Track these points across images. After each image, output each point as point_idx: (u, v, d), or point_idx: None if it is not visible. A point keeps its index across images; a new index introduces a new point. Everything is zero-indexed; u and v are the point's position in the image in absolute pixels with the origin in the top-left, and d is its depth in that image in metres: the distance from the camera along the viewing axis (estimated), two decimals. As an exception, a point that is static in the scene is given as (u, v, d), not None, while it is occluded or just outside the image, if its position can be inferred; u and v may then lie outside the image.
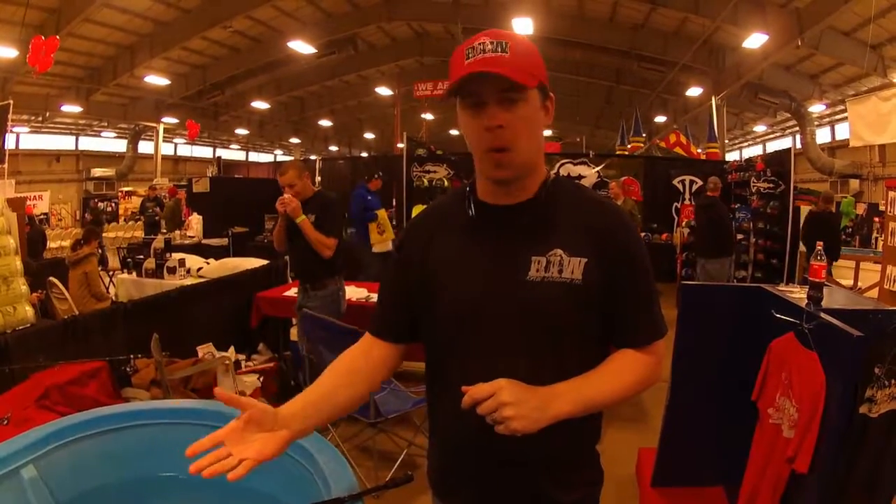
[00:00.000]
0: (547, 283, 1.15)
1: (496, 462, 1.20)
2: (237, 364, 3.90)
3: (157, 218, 13.11)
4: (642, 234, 8.90)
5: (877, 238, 12.28)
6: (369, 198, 7.53)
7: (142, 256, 6.15)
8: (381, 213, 7.54)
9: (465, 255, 1.22)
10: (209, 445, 1.05)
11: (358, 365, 1.31)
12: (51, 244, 12.23)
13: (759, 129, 23.44)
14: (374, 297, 4.61)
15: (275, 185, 4.01)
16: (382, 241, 7.43)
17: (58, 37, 11.18)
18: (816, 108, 17.32)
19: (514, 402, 1.02)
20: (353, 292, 4.86)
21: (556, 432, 1.08)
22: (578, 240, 1.17)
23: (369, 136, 32.49)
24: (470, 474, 1.24)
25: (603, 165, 10.61)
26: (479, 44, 1.11)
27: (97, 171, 23.58)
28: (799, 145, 17.64)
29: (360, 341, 1.35)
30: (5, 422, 2.28)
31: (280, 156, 32.33)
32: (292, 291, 4.64)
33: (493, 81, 1.09)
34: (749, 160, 10.61)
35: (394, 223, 8.84)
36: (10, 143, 12.57)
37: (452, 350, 1.23)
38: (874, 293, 6.42)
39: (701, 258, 7.39)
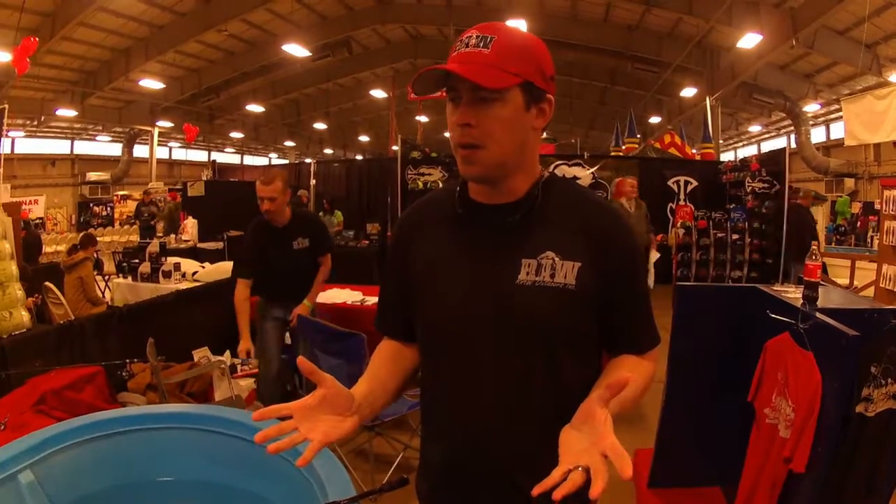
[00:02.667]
0: (538, 287, 1.10)
1: (482, 471, 1.17)
2: (233, 368, 3.89)
3: (151, 222, 13.05)
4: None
5: (872, 237, 12.29)
6: None
7: (137, 260, 6.14)
8: None
9: (453, 255, 1.18)
10: (276, 415, 0.99)
11: (397, 353, 1.30)
12: (46, 249, 12.19)
13: (754, 129, 23.46)
14: (369, 300, 4.65)
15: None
16: None
17: (35, 38, 10.97)
18: (811, 108, 17.34)
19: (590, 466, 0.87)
20: (348, 296, 4.85)
21: (547, 440, 1.08)
22: (572, 242, 1.12)
23: (364, 138, 32.43)
24: (457, 484, 1.21)
25: (598, 167, 10.62)
26: (467, 37, 1.09)
27: (92, 175, 23.47)
28: (794, 145, 17.66)
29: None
30: (2, 427, 2.27)
31: (275, 159, 32.28)
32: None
33: (464, 79, 1.05)
34: (744, 160, 10.66)
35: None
36: (5, 147, 12.50)
37: (442, 354, 1.21)
38: (870, 292, 6.43)
39: (790, 262, 7.89)
